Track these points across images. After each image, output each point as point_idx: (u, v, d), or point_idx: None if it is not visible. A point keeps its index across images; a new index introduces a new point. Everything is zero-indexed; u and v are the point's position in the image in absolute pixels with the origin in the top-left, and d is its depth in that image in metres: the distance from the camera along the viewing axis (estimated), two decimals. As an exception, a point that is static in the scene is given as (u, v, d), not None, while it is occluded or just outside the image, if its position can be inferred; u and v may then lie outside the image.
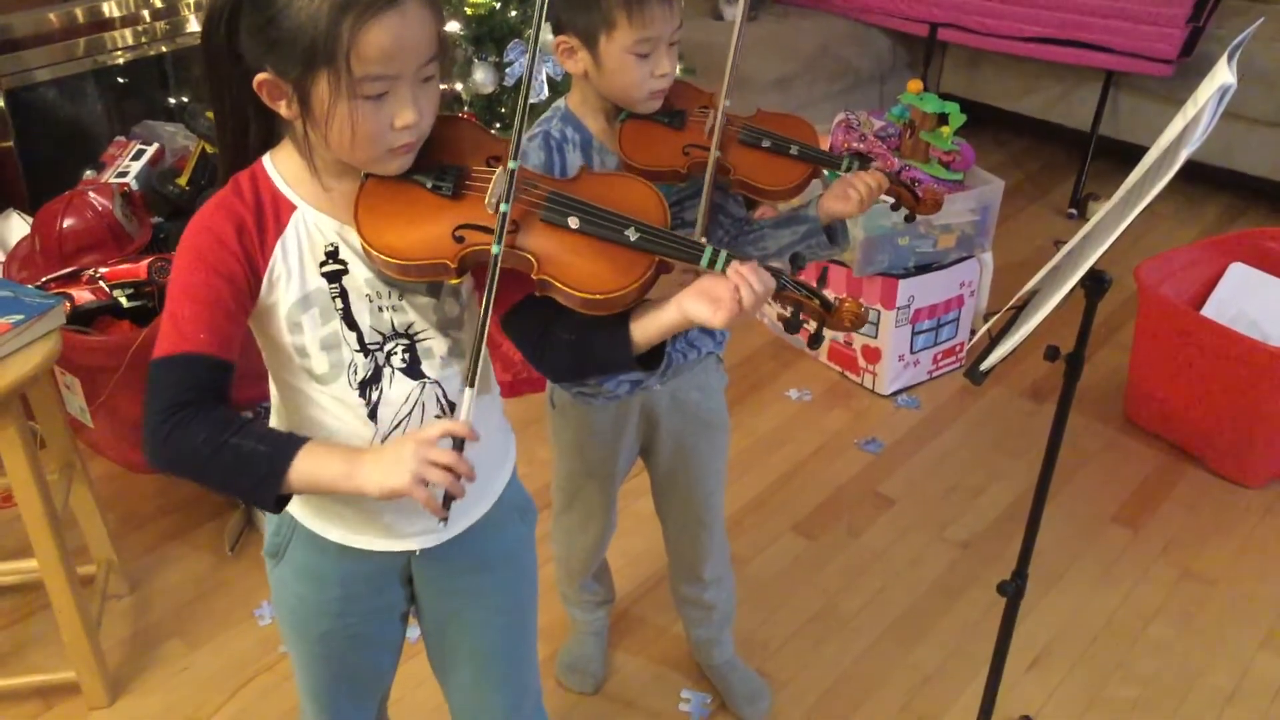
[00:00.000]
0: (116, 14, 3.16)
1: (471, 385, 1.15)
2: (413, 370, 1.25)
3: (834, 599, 2.41)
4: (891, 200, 1.65)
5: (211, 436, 1.11)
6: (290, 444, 1.13)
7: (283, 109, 1.14)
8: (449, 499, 1.11)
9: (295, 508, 1.33)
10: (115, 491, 2.64)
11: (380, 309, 1.22)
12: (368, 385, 1.23)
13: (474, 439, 1.12)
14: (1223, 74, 1.20)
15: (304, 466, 1.12)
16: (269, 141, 1.22)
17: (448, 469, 1.09)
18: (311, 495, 1.28)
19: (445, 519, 1.13)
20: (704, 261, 1.21)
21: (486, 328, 1.16)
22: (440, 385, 1.27)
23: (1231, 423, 2.69)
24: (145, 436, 1.13)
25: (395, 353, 1.24)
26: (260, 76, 1.12)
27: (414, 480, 1.08)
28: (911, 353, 3.06)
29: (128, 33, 3.20)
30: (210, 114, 1.23)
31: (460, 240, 1.17)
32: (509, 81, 2.93)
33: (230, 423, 1.12)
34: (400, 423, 1.25)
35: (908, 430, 2.97)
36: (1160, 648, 2.29)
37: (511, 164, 1.15)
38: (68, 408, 2.54)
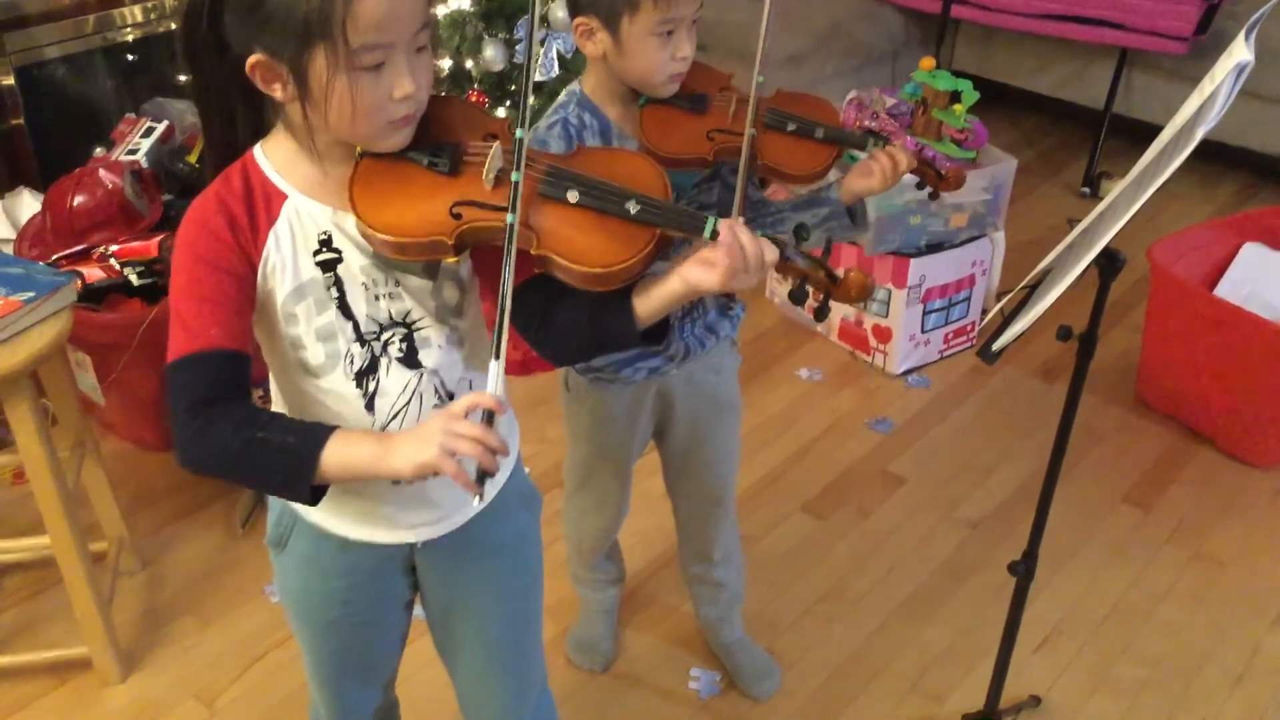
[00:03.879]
0: (126, -10, 3.15)
1: (497, 357, 1.10)
2: (410, 360, 1.23)
3: (843, 578, 2.41)
4: (916, 179, 1.64)
5: (239, 432, 1.09)
6: (319, 433, 1.10)
7: (278, 92, 1.11)
8: (483, 475, 1.07)
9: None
10: (127, 469, 2.65)
11: (377, 297, 1.20)
12: (364, 376, 1.22)
13: (501, 411, 1.08)
14: (1240, 51, 1.19)
15: (335, 454, 1.09)
16: (259, 131, 1.20)
17: (476, 441, 1.05)
18: (344, 484, 1.25)
19: (480, 494, 1.07)
20: (706, 233, 1.18)
21: (509, 297, 1.11)
22: (438, 375, 1.25)
23: (1243, 404, 2.67)
24: (176, 442, 1.11)
25: (392, 342, 1.22)
26: (253, 59, 1.09)
27: (442, 452, 1.04)
28: (922, 332, 3.05)
29: (137, 9, 3.19)
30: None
31: (458, 217, 1.15)
32: (519, 59, 2.91)
33: (257, 417, 1.11)
34: (398, 413, 1.24)
35: (918, 410, 2.96)
36: (1170, 628, 2.29)
37: (520, 132, 1.12)
38: (79, 385, 2.55)
